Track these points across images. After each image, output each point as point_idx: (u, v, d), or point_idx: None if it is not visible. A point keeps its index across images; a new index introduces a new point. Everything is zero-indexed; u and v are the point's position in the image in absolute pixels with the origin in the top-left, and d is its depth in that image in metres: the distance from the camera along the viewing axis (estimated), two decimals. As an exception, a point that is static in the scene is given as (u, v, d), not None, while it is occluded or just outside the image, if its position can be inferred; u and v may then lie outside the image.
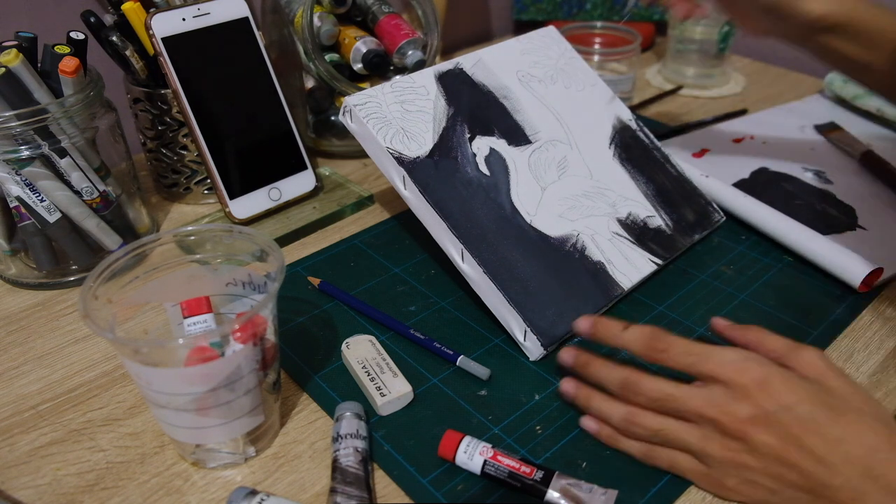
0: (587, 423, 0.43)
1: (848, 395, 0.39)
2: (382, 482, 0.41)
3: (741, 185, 0.68)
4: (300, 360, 0.50)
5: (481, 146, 0.55)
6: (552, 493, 0.39)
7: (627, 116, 0.64)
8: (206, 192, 0.68)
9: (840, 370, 0.41)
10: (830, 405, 0.38)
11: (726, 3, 0.53)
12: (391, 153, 0.52)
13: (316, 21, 0.68)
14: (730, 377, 0.39)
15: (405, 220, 0.64)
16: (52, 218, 0.54)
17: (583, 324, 0.45)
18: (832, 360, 0.41)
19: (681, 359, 0.41)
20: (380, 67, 0.69)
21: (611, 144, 0.62)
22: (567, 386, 0.45)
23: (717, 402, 0.39)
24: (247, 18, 0.62)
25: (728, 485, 0.39)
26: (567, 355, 0.45)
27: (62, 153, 0.53)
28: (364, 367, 0.47)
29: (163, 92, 0.62)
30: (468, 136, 0.55)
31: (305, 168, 0.66)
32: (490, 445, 0.41)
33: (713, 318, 0.46)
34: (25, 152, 0.51)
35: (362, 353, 0.48)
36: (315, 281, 0.56)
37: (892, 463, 0.36)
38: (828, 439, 0.37)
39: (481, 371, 0.48)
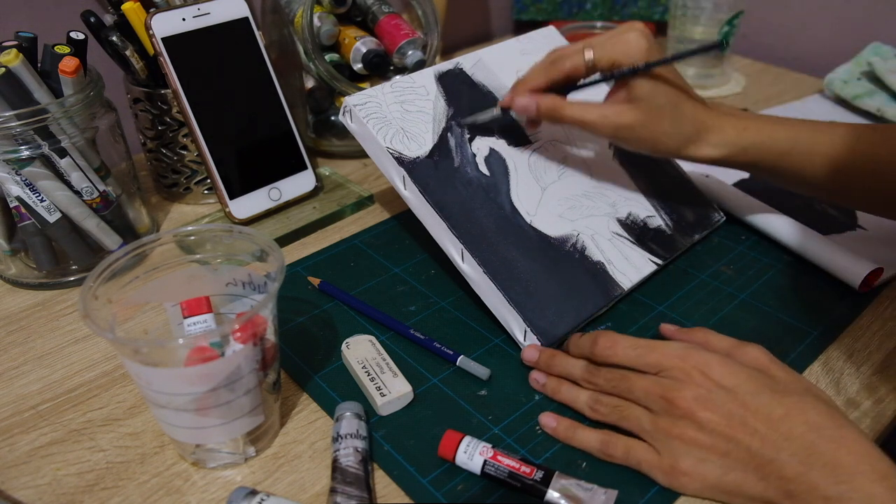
0: (545, 420, 0.44)
1: (791, 382, 0.41)
2: (382, 482, 0.41)
3: (741, 185, 0.68)
4: (300, 360, 0.50)
5: (481, 146, 0.55)
6: (552, 493, 0.39)
7: (627, 116, 0.64)
8: (206, 192, 0.68)
9: (783, 364, 0.43)
10: (773, 388, 0.40)
11: (619, 143, 0.53)
12: (391, 153, 0.52)
13: (316, 21, 0.68)
14: (673, 363, 0.41)
15: (405, 220, 0.64)
16: (52, 218, 0.54)
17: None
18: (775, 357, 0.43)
19: (628, 352, 0.43)
20: (380, 67, 0.69)
21: (611, 144, 0.62)
22: (537, 375, 0.47)
23: (664, 385, 0.41)
24: (247, 18, 0.62)
25: (681, 467, 0.39)
26: (530, 353, 0.48)
27: (62, 153, 0.53)
28: (364, 367, 0.47)
29: (163, 92, 0.62)
30: (468, 136, 0.55)
31: (305, 168, 0.66)
32: (490, 445, 0.41)
33: (662, 325, 0.50)
34: (25, 152, 0.51)
35: (362, 353, 0.48)
36: (315, 281, 0.56)
37: (835, 441, 0.36)
38: (771, 417, 0.38)
39: (481, 371, 0.48)
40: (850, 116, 0.81)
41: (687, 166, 0.66)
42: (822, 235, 0.57)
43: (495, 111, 0.54)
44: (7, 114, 0.49)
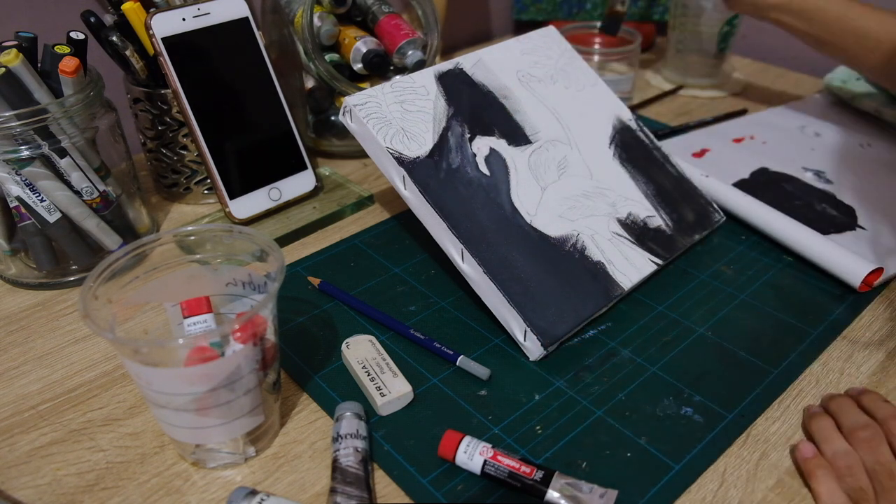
0: (804, 446, 0.42)
1: None
2: (382, 482, 0.41)
3: (741, 185, 0.68)
4: (300, 360, 0.50)
5: (481, 146, 0.55)
6: (552, 493, 0.39)
7: (627, 116, 0.64)
8: (206, 192, 0.68)
9: None
10: None
11: None
12: (391, 153, 0.52)
13: (316, 21, 0.68)
14: None
15: (405, 220, 0.64)
16: (52, 218, 0.54)
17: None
18: None
19: None
20: (380, 67, 0.69)
21: (611, 144, 0.62)
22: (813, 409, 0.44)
23: None
24: (247, 18, 0.62)
25: None
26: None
27: (62, 153, 0.53)
28: (364, 367, 0.47)
29: (163, 92, 0.62)
30: (468, 136, 0.55)
31: (305, 168, 0.66)
32: (490, 445, 0.41)
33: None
34: (25, 152, 0.51)
35: (362, 353, 0.48)
36: (315, 281, 0.56)
37: None
38: None
39: (481, 371, 0.48)
40: (849, 116, 0.81)
41: (686, 167, 0.66)
42: (822, 235, 0.57)
43: None
44: (7, 114, 0.49)
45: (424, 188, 0.51)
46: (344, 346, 0.49)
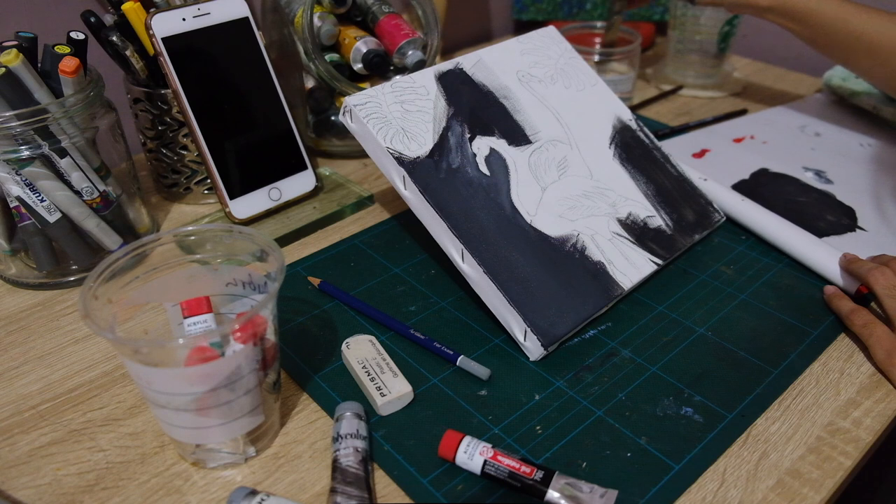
0: (827, 288, 0.54)
1: None
2: (382, 482, 0.41)
3: (741, 185, 0.68)
4: (300, 360, 0.50)
5: (481, 146, 0.55)
6: (552, 493, 0.39)
7: (627, 116, 0.64)
8: (206, 192, 0.68)
9: None
10: None
11: None
12: (391, 153, 0.52)
13: (316, 21, 0.68)
14: None
15: (405, 220, 0.64)
16: (52, 218, 0.54)
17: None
18: None
19: None
20: (380, 67, 0.69)
21: (611, 144, 0.62)
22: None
23: None
24: (247, 18, 0.62)
25: None
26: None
27: (62, 153, 0.53)
28: (364, 367, 0.47)
29: (163, 92, 0.62)
30: (468, 136, 0.56)
31: (305, 168, 0.66)
32: (490, 445, 0.41)
33: None
34: (25, 152, 0.51)
35: (362, 353, 0.48)
36: (315, 281, 0.56)
37: None
38: None
39: (481, 371, 0.48)
40: (849, 115, 0.81)
41: (686, 170, 0.66)
42: (822, 242, 0.57)
43: None
44: (7, 114, 0.49)
45: (424, 188, 0.51)
46: (344, 346, 0.49)
